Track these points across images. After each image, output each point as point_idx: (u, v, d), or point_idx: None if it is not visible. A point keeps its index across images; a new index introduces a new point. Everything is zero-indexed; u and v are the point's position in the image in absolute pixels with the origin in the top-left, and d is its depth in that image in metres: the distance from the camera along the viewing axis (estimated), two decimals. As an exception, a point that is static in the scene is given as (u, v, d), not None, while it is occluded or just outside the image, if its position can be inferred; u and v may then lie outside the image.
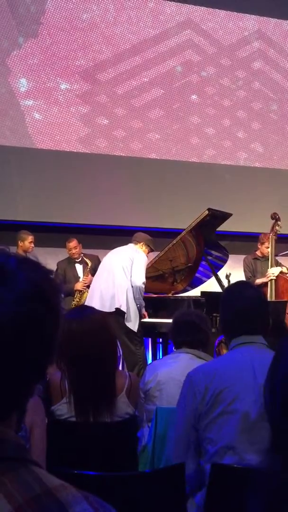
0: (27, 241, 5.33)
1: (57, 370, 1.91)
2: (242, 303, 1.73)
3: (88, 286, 5.18)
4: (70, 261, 5.60)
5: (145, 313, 4.81)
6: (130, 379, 1.99)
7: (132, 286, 4.61)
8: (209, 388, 1.63)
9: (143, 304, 4.71)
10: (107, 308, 4.46)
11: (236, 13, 7.00)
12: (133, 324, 4.62)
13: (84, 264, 5.52)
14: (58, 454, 1.81)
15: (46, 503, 0.61)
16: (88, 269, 5.42)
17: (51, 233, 6.05)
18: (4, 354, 0.63)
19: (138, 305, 4.65)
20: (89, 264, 5.41)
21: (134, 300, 4.63)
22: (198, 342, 2.44)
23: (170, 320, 2.78)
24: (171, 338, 2.65)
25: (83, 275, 5.47)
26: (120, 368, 2.73)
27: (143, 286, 4.67)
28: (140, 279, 4.62)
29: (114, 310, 4.49)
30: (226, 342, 1.80)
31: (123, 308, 4.57)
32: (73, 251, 5.54)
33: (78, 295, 5.33)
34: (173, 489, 1.58)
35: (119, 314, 4.53)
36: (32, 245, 5.35)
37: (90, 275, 5.31)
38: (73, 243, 5.56)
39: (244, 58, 7.06)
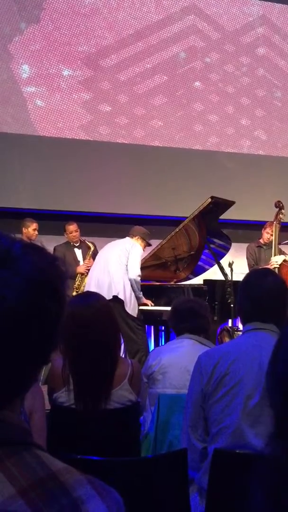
0: (31, 228, 5.34)
1: (59, 356, 1.91)
2: (258, 292, 1.73)
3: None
4: (69, 245, 5.59)
5: (146, 301, 4.82)
6: (132, 367, 1.99)
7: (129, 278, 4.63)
8: (215, 371, 1.68)
9: (140, 296, 4.73)
10: (105, 296, 4.46)
11: (240, -2, 6.92)
12: (132, 309, 4.65)
13: (84, 248, 5.53)
14: (60, 441, 1.82)
15: (49, 487, 0.61)
16: (90, 253, 5.43)
17: (54, 220, 6.03)
18: (9, 338, 0.63)
19: (136, 297, 4.67)
20: (92, 248, 5.42)
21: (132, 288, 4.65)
22: (199, 328, 2.46)
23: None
24: (172, 325, 2.66)
25: (84, 259, 5.48)
26: (122, 356, 2.74)
27: (139, 279, 4.70)
28: (135, 272, 4.64)
29: (111, 298, 4.49)
30: (242, 323, 1.81)
31: (121, 296, 4.60)
32: (74, 233, 5.52)
33: (80, 278, 5.34)
34: (175, 475, 1.59)
35: (117, 301, 4.54)
36: (36, 232, 5.35)
37: (92, 259, 5.32)
38: (73, 226, 5.54)
39: (248, 44, 6.99)
